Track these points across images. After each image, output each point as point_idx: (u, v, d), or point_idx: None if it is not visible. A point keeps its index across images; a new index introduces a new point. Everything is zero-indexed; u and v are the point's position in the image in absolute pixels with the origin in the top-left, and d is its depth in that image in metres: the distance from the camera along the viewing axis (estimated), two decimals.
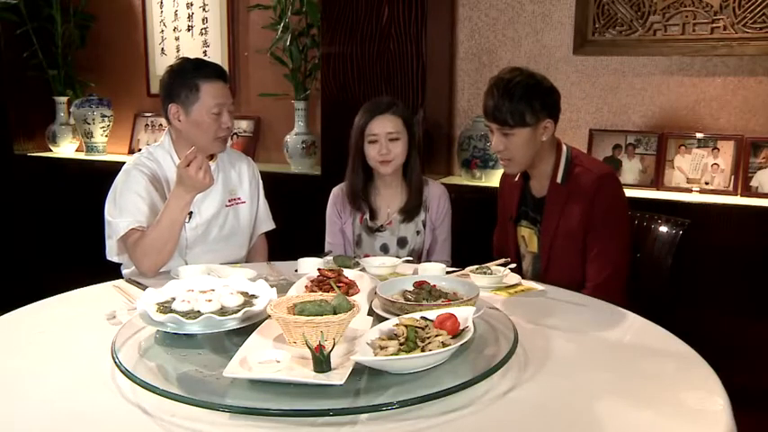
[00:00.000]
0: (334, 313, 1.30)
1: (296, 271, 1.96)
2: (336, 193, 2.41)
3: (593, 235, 2.01)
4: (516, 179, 2.20)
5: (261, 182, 2.41)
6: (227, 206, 2.28)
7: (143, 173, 2.13)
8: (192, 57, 2.28)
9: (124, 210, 2.07)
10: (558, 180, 2.06)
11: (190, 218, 2.16)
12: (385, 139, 2.24)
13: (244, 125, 3.72)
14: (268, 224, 2.42)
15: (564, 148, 2.10)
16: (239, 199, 2.32)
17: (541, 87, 2.03)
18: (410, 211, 2.32)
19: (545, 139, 2.04)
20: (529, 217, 2.17)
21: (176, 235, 2.02)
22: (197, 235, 2.20)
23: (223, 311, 1.41)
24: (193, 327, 1.38)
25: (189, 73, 2.15)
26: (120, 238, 2.06)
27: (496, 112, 2.00)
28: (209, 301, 1.42)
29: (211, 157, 2.22)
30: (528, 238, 2.18)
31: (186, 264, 2.13)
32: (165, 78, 2.19)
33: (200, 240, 2.21)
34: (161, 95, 2.20)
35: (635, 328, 1.60)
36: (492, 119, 2.03)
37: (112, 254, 2.13)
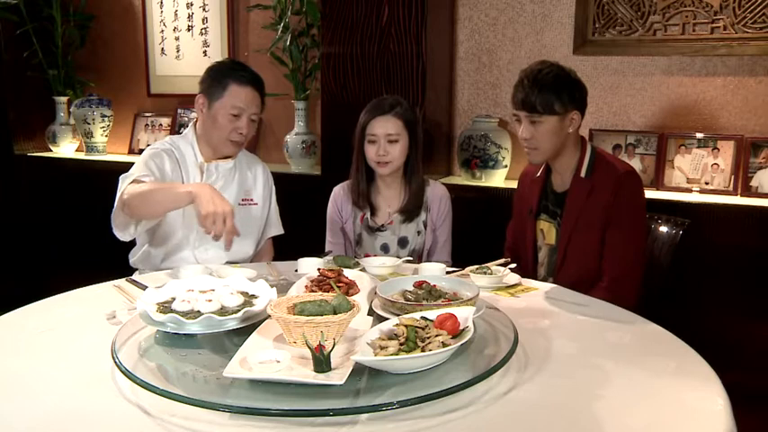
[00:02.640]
0: (334, 313, 1.30)
1: (296, 271, 1.96)
2: (337, 191, 2.41)
3: (611, 230, 2.03)
4: (538, 174, 2.22)
5: (273, 187, 2.45)
6: (239, 205, 2.30)
7: (166, 153, 2.19)
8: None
9: (138, 168, 2.10)
10: (582, 174, 2.09)
11: None
12: (384, 141, 2.24)
13: None
14: (277, 228, 2.45)
15: (589, 144, 2.14)
16: (252, 200, 2.36)
17: (570, 79, 2.07)
18: (410, 211, 2.32)
19: (571, 130, 2.07)
20: (549, 211, 2.19)
21: (161, 208, 2.00)
22: None
23: (223, 311, 1.41)
24: (193, 327, 1.38)
25: (225, 71, 2.22)
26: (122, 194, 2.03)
27: (526, 100, 2.04)
28: (210, 301, 1.42)
29: (228, 156, 2.27)
30: (546, 230, 2.20)
31: (197, 261, 2.16)
32: (205, 74, 2.25)
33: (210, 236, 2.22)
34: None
35: (635, 328, 1.60)
36: (521, 106, 2.06)
37: (116, 209, 2.04)
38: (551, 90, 2.02)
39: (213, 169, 2.25)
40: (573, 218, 2.09)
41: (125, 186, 2.02)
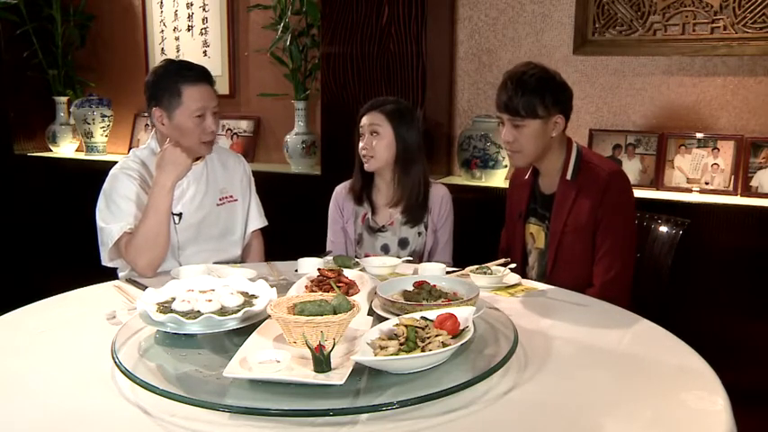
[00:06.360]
0: (334, 313, 1.30)
1: (296, 271, 1.96)
2: (339, 191, 2.42)
3: (601, 233, 2.02)
4: (526, 177, 2.21)
5: (252, 179, 2.41)
6: (218, 205, 2.27)
7: (130, 176, 2.12)
8: (175, 58, 2.26)
9: (116, 214, 2.07)
10: (568, 177, 2.07)
11: (180, 219, 2.16)
12: (368, 133, 2.26)
13: (244, 125, 3.72)
14: (259, 221, 2.39)
15: (574, 145, 2.11)
16: (231, 197, 2.31)
17: (555, 82, 2.04)
18: (413, 215, 2.31)
19: (554, 134, 2.05)
20: (537, 214, 2.18)
21: (165, 226, 2.01)
22: (188, 236, 2.20)
23: (223, 311, 1.41)
24: (193, 327, 1.38)
25: (171, 76, 2.12)
26: (114, 243, 2.05)
27: (509, 103, 2.01)
28: (210, 301, 1.42)
29: (198, 157, 2.22)
30: (536, 234, 2.19)
31: (180, 265, 2.12)
32: (149, 81, 2.16)
33: (191, 241, 2.21)
34: (145, 97, 2.17)
35: (635, 328, 1.60)
36: (504, 110, 2.04)
37: (107, 260, 2.12)
38: (535, 93, 1.99)
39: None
40: (561, 221, 2.07)
41: (121, 244, 2.02)
